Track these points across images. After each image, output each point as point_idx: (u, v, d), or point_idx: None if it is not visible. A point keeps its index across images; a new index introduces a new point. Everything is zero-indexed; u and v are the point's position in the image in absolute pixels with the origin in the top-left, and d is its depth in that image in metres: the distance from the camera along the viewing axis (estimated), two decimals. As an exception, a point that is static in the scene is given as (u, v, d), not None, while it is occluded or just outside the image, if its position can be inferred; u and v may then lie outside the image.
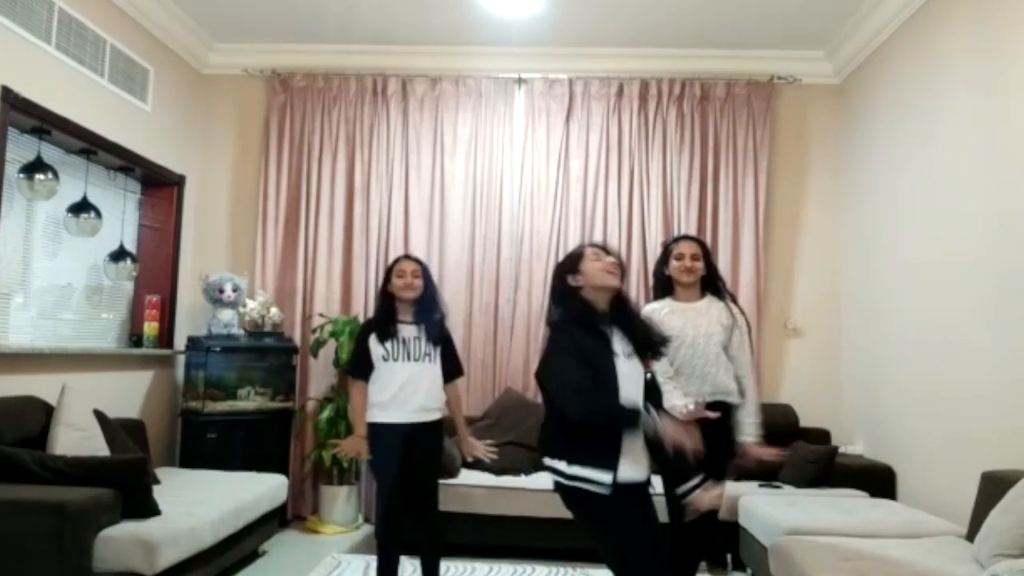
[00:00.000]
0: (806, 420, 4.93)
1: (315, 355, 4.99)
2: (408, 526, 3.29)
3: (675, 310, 3.25)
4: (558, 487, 2.33)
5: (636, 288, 4.97)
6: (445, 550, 3.51)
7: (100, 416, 3.73)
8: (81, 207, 4.20)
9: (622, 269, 2.47)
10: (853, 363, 4.95)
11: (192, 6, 4.85)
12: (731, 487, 4.14)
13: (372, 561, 3.42)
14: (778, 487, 4.27)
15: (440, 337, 3.36)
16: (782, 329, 5.19)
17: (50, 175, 3.86)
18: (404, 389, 3.23)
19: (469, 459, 3.56)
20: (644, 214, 5.17)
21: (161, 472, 4.03)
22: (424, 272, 3.37)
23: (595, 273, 2.40)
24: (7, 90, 3.56)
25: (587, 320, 2.37)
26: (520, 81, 5.34)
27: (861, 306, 4.85)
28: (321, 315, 5.10)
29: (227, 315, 4.93)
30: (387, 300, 3.34)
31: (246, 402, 4.89)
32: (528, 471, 4.43)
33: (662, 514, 2.51)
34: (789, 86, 5.30)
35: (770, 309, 5.17)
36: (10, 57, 3.61)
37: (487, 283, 5.20)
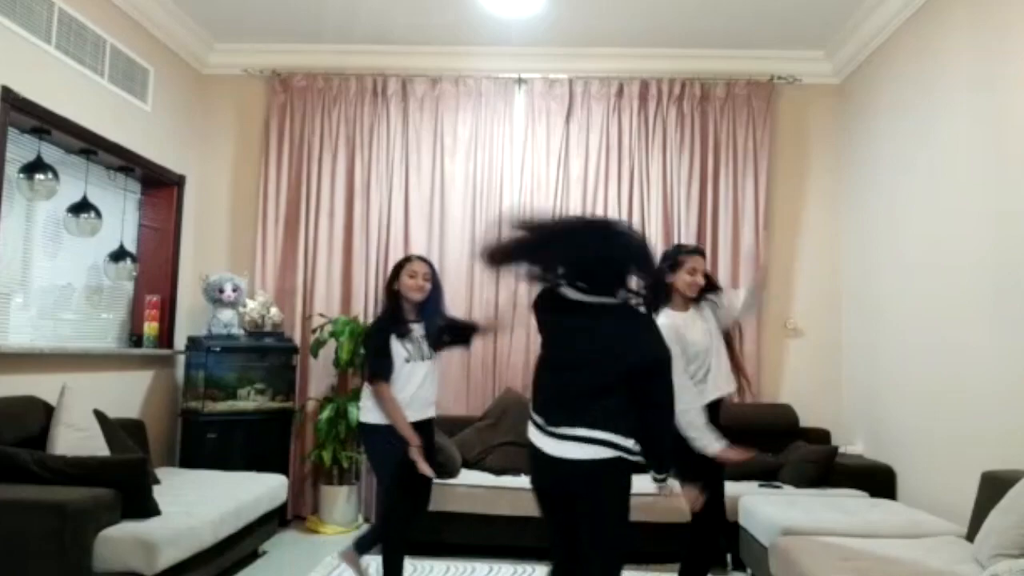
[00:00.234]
0: (806, 420, 4.94)
1: (315, 355, 4.99)
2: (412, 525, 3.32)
3: (685, 322, 3.18)
4: (609, 463, 2.35)
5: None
6: (444, 550, 3.51)
7: (100, 416, 3.73)
8: (81, 207, 4.20)
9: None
10: (853, 363, 4.95)
11: (192, 6, 4.85)
12: (731, 487, 4.15)
13: (372, 561, 3.42)
14: (778, 487, 4.27)
15: (439, 340, 3.38)
16: (782, 329, 5.19)
17: (50, 175, 3.87)
18: (421, 388, 3.27)
19: None
20: (644, 214, 5.17)
21: (161, 472, 4.03)
22: (433, 275, 3.41)
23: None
24: (7, 90, 3.56)
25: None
26: (520, 81, 5.34)
27: (861, 306, 4.85)
28: (321, 315, 5.10)
29: (227, 315, 4.93)
30: (395, 299, 3.34)
31: (246, 402, 4.89)
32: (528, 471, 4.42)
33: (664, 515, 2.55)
34: (789, 86, 5.30)
35: (770, 309, 5.17)
36: (10, 57, 3.61)
37: (487, 283, 5.21)
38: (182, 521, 3.17)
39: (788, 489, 4.23)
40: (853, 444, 4.76)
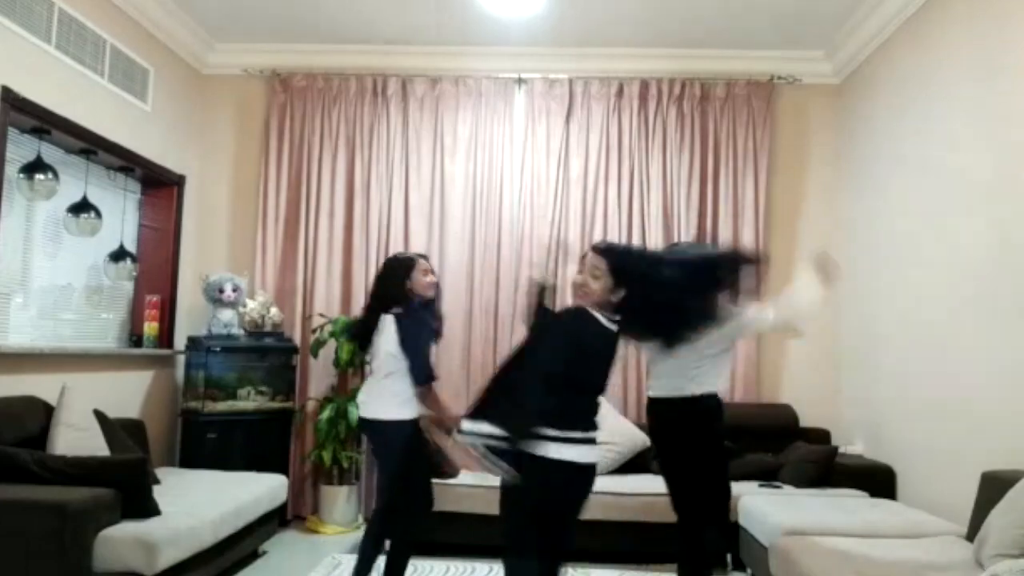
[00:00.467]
0: (806, 420, 4.94)
1: (315, 355, 4.99)
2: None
3: None
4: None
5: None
6: (444, 550, 3.52)
7: (100, 416, 3.72)
8: (81, 207, 4.20)
9: None
10: (853, 363, 4.95)
11: (192, 6, 4.85)
12: (731, 488, 4.15)
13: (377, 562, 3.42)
14: (778, 487, 4.27)
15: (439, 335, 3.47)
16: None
17: (50, 175, 3.86)
18: None
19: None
20: (644, 214, 5.17)
21: (161, 472, 4.02)
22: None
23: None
24: (7, 90, 3.56)
25: None
26: (520, 81, 5.34)
27: (861, 306, 4.85)
28: (321, 315, 5.10)
29: (227, 315, 4.93)
30: (408, 298, 3.30)
31: (246, 402, 4.89)
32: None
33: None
34: (789, 86, 5.30)
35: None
36: (10, 57, 3.61)
37: (487, 283, 5.21)
38: (182, 521, 3.17)
39: (788, 489, 4.23)
40: (853, 444, 4.76)
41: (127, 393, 4.63)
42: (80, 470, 3.12)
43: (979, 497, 3.09)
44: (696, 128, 5.23)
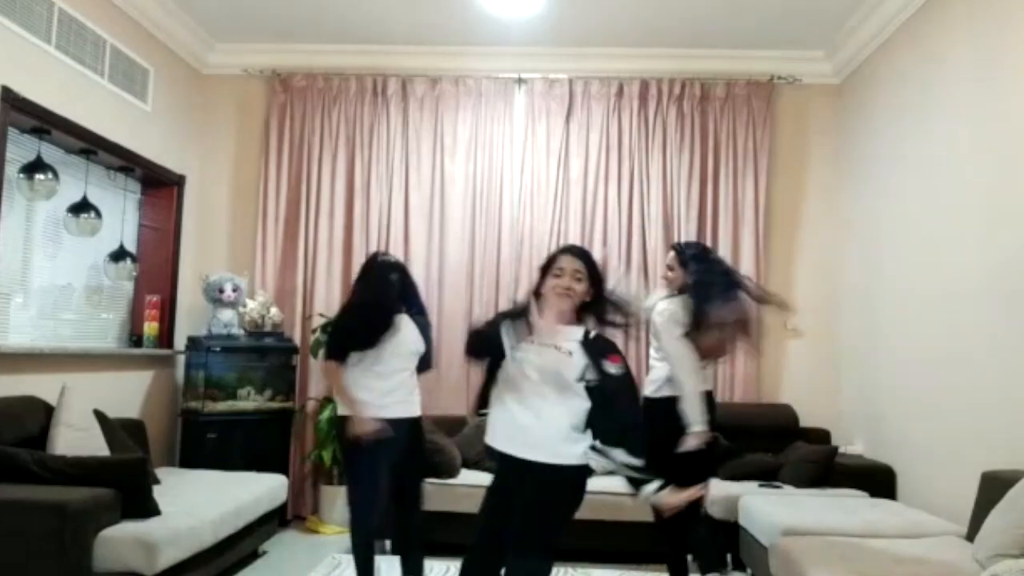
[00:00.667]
0: (806, 420, 4.93)
1: (315, 355, 4.98)
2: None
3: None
4: (587, 470, 2.47)
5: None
6: (444, 550, 3.52)
7: (100, 416, 3.72)
8: (81, 207, 4.20)
9: None
10: (853, 363, 4.95)
11: (192, 6, 4.85)
12: (731, 487, 4.16)
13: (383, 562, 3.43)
14: (778, 487, 4.27)
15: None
16: (782, 329, 5.16)
17: (50, 175, 3.86)
18: None
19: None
20: (644, 214, 5.17)
21: (161, 472, 4.02)
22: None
23: None
24: (7, 90, 3.56)
25: None
26: (520, 81, 5.34)
27: (861, 306, 4.85)
28: (321, 315, 5.10)
29: (227, 315, 4.93)
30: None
31: (246, 402, 4.89)
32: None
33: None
34: (789, 86, 5.30)
35: (770, 309, 5.14)
36: (10, 57, 3.61)
37: (487, 283, 5.21)
38: (182, 521, 3.17)
39: (788, 489, 4.22)
40: (853, 444, 4.76)
41: (127, 393, 4.63)
42: (80, 470, 3.12)
43: (979, 497, 3.10)
44: (696, 128, 5.23)
